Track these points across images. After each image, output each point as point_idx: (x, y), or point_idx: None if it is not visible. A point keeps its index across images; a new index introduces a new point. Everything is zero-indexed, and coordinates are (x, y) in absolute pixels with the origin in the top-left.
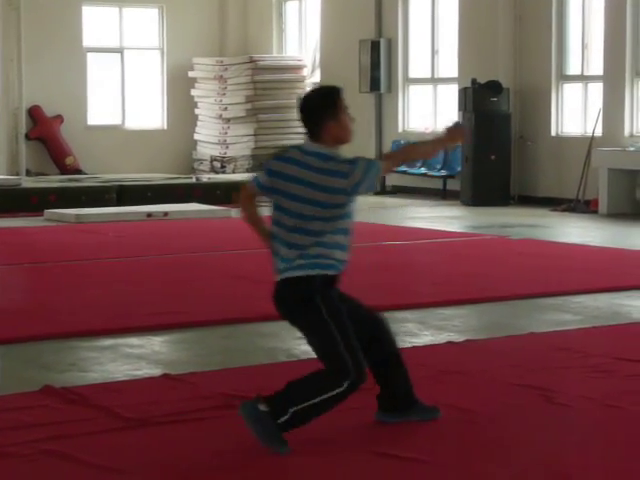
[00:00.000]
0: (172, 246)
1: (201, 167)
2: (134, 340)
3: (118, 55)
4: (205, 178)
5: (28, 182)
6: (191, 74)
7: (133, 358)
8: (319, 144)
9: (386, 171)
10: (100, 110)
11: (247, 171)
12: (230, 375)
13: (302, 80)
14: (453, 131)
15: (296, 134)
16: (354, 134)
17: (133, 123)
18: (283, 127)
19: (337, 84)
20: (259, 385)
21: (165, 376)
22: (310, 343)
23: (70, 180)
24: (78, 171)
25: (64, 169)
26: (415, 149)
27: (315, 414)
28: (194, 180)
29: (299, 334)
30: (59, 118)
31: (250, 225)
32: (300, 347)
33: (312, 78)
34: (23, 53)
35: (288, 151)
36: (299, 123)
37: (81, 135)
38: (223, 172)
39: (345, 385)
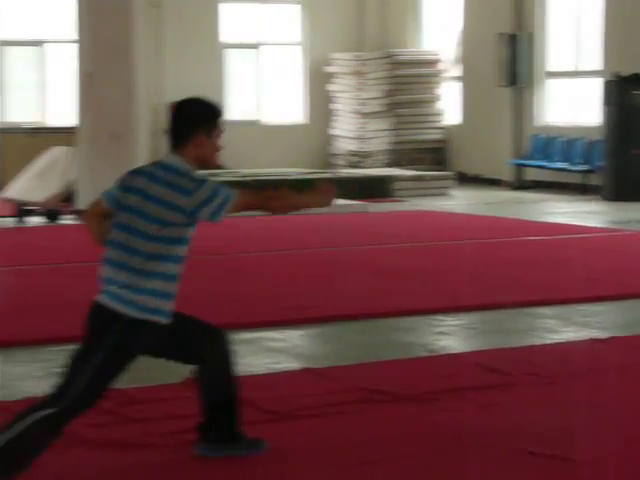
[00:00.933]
0: (309, 241)
1: (338, 162)
2: (274, 334)
3: (255, 51)
4: (342, 173)
5: None
6: (329, 69)
7: (273, 352)
8: (180, 158)
9: (240, 206)
10: (238, 106)
11: (384, 166)
12: (369, 369)
13: (440, 74)
14: (324, 191)
15: (433, 129)
16: None
17: (271, 118)
18: (420, 122)
19: (475, 78)
20: (397, 380)
21: (305, 370)
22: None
23: (210, 175)
24: (217, 166)
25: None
26: (277, 199)
27: None
28: (331, 175)
29: (438, 329)
30: None
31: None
32: (438, 342)
33: (450, 72)
34: (163, 50)
35: (146, 166)
36: (437, 118)
37: None
38: (360, 167)
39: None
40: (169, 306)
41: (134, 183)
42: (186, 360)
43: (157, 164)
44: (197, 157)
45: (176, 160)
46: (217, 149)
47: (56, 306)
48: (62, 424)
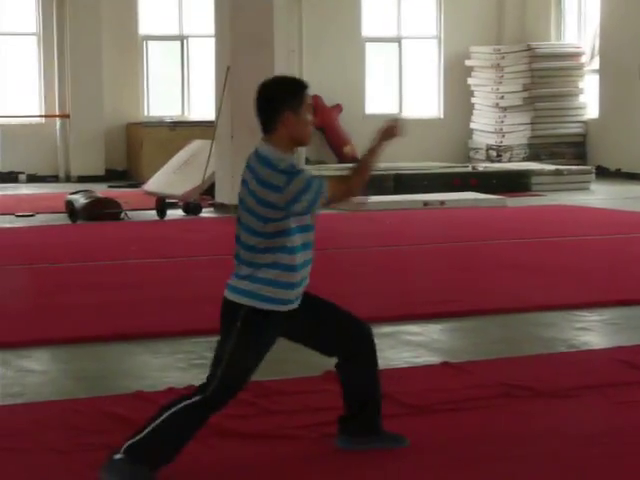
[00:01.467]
0: (448, 235)
1: (477, 156)
2: (413, 328)
3: (396, 45)
4: (481, 167)
5: (308, 170)
6: (468, 62)
7: (413, 345)
8: (270, 144)
9: (333, 196)
10: (378, 99)
11: (523, 160)
12: (508, 365)
13: (581, 68)
14: (388, 129)
15: (574, 122)
16: None
17: (410, 112)
18: (560, 115)
19: (616, 71)
20: (538, 375)
21: (445, 364)
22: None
23: (347, 169)
24: (356, 159)
25: (342, 157)
26: (365, 168)
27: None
28: (470, 169)
29: (579, 324)
30: (338, 107)
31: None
32: (580, 338)
33: (591, 65)
34: (304, 44)
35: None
36: (577, 111)
37: (359, 124)
38: (499, 161)
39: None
40: (291, 295)
41: (243, 175)
42: (327, 352)
43: (254, 153)
44: (290, 137)
45: (268, 149)
46: (308, 124)
47: (197, 298)
48: (205, 414)
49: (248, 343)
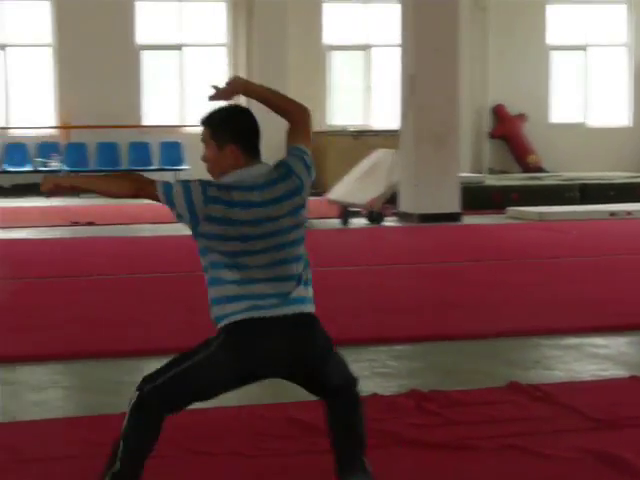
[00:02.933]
0: (636, 246)
1: None
2: (599, 340)
3: (582, 52)
4: None
5: (491, 180)
6: None
7: (599, 358)
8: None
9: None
10: (562, 108)
11: None
12: None
13: None
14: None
15: None
16: None
17: (596, 121)
18: None
19: None
20: None
21: (633, 378)
22: None
23: (531, 178)
24: (540, 169)
25: (526, 167)
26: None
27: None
28: None
29: None
30: (522, 117)
31: None
32: None
33: None
34: (489, 52)
35: None
36: None
37: (543, 133)
38: None
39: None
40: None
41: (275, 191)
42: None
43: (276, 169)
44: None
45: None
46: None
47: (383, 307)
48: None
49: None
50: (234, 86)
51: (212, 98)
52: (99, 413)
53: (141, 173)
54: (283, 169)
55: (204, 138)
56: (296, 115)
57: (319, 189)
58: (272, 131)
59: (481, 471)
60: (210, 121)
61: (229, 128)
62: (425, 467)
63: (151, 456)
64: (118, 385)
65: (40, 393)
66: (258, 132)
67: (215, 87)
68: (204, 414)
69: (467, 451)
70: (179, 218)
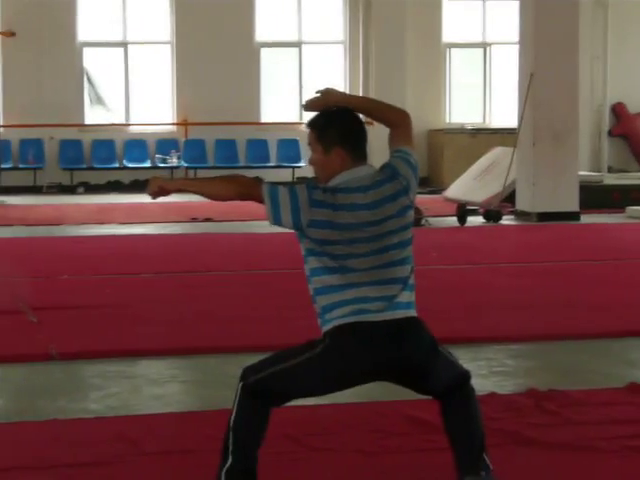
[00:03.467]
0: None
1: None
2: None
3: None
4: None
5: (610, 179)
6: None
7: None
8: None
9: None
10: None
11: None
12: None
13: None
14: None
15: None
16: None
17: None
18: None
19: None
20: None
21: None
22: None
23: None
24: None
25: None
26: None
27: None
28: None
29: None
30: None
31: None
32: None
33: None
34: (609, 50)
35: None
36: None
37: None
38: None
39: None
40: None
41: (386, 191)
42: None
43: (382, 172)
44: None
45: None
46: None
47: (500, 305)
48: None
49: None
50: (326, 97)
51: (306, 109)
52: (217, 408)
53: (253, 173)
54: (388, 170)
55: (310, 141)
56: (398, 120)
57: (436, 187)
58: (371, 136)
59: (602, 472)
60: (316, 124)
61: (335, 130)
62: (544, 467)
63: (269, 452)
64: (236, 380)
65: (159, 387)
66: (364, 134)
67: (310, 99)
68: (314, 410)
69: (588, 451)
70: (284, 222)
